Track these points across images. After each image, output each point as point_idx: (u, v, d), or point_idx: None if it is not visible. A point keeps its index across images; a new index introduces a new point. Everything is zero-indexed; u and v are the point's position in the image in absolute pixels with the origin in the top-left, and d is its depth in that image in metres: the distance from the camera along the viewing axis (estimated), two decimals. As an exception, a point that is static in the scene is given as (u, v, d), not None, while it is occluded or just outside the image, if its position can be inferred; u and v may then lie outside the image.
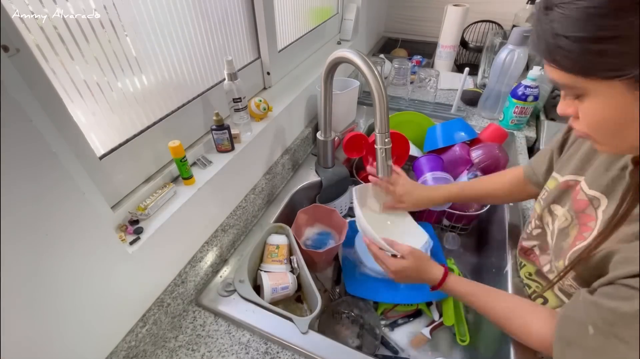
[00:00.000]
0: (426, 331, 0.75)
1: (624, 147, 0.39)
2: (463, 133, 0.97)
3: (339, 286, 0.85)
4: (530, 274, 0.62)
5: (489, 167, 0.89)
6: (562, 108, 0.41)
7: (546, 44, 0.36)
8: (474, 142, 0.99)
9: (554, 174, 0.57)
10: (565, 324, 0.44)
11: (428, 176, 0.89)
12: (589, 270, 0.45)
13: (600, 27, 0.32)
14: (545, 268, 0.57)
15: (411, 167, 0.98)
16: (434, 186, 0.78)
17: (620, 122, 0.36)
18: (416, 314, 0.80)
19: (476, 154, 0.91)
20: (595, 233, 0.46)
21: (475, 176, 0.90)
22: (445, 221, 0.96)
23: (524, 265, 0.64)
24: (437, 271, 0.61)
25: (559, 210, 0.54)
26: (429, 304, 0.80)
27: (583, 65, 0.34)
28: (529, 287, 0.63)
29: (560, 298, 0.53)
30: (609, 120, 0.36)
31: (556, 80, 0.38)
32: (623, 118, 0.35)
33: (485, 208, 0.88)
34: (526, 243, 0.63)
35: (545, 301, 0.57)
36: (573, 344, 0.42)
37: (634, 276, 0.36)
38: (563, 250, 0.51)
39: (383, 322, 0.78)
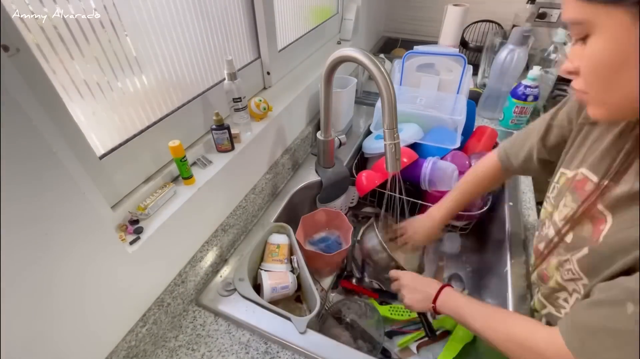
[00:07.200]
0: (413, 346, 0.74)
1: (615, 102, 0.37)
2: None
3: (335, 290, 0.86)
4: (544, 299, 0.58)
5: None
6: (566, 63, 0.40)
7: None
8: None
9: (562, 170, 0.55)
10: (585, 311, 0.38)
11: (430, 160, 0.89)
12: (601, 256, 0.41)
13: None
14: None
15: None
16: (432, 213, 0.80)
17: (617, 64, 0.34)
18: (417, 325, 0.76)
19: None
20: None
21: None
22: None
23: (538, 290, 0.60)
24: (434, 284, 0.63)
25: (566, 203, 0.53)
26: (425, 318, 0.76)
27: None
28: (537, 311, 0.59)
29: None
30: (606, 63, 0.35)
31: (567, 17, 0.37)
32: (620, 59, 0.34)
33: (485, 208, 0.88)
34: (541, 245, 0.59)
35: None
36: (600, 331, 0.35)
37: None
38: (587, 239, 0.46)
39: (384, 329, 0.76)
